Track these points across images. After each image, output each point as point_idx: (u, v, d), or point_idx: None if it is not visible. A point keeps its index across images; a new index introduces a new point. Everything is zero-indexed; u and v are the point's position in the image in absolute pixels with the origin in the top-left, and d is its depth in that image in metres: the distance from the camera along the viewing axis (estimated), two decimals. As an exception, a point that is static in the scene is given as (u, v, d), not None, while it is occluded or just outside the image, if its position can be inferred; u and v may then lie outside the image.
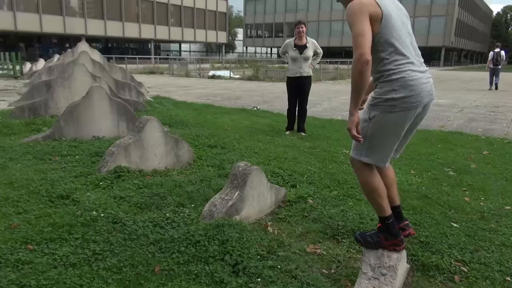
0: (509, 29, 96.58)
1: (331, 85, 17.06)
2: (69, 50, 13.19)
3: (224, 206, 2.94)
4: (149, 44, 50.10)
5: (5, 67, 18.08)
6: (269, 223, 3.01)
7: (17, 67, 17.24)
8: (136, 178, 3.77)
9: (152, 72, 24.50)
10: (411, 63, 2.05)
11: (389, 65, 2.03)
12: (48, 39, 44.01)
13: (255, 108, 9.01)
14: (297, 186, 3.71)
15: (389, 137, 2.12)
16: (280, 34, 67.76)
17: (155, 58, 37.87)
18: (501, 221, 3.05)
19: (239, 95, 11.88)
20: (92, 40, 40.20)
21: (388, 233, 2.22)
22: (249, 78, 20.20)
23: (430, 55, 60.93)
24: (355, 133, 2.05)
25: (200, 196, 3.39)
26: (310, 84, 6.42)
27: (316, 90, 14.19)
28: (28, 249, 2.46)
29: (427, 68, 2.16)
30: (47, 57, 32.88)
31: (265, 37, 70.49)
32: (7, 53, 18.70)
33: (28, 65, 19.30)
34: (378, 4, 1.99)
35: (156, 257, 2.42)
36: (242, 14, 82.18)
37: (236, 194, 3.03)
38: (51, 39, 44.59)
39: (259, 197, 3.17)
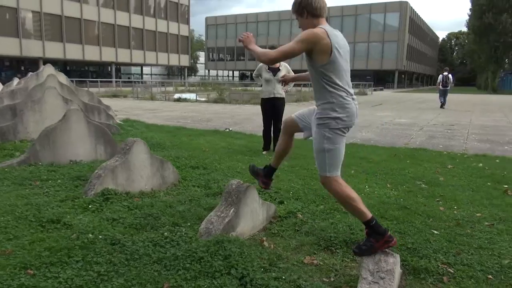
0: (454, 54, 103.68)
1: (296, 107, 17.51)
2: (32, 73, 12.81)
3: (221, 223, 3.03)
4: (110, 67, 49.37)
5: (-42, 91, 17.20)
6: (264, 238, 3.12)
7: (-28, 91, 16.44)
8: (124, 200, 3.77)
9: (115, 95, 24.13)
10: (347, 93, 2.49)
11: (329, 88, 2.46)
12: (0, 61, 42.29)
13: (228, 130, 9.15)
14: (285, 202, 3.85)
15: (340, 149, 2.56)
16: (242, 58, 69.02)
17: (116, 81, 37.35)
18: (475, 227, 3.34)
19: (209, 118, 11.99)
20: (49, 62, 38.96)
21: (376, 234, 2.46)
22: (215, 101, 20.40)
23: (384, 78, 64.18)
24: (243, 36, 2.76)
25: (192, 215, 3.45)
26: (284, 105, 6.67)
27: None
28: (28, 274, 2.42)
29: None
30: (0, 80, 31.57)
31: (227, 60, 71.51)
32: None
33: (-17, 89, 18.46)
34: (330, 40, 2.40)
35: (162, 274, 2.46)
36: (203, 38, 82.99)
37: (232, 211, 3.13)
38: (3, 62, 42.88)
39: (252, 214, 3.28)
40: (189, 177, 4.63)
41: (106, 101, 15.13)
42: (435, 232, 3.20)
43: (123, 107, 15.84)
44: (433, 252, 2.83)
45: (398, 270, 2.45)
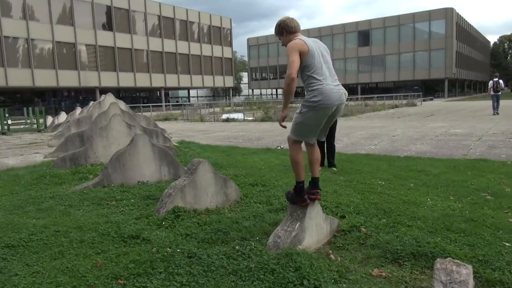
0: (508, 57, 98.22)
1: (344, 122, 17.43)
2: (94, 102, 13.83)
3: (288, 237, 3.17)
4: (159, 91, 51.69)
5: (29, 121, 18.85)
6: (330, 251, 3.22)
7: (41, 121, 17.94)
8: (193, 217, 4.02)
9: (166, 119, 25.22)
10: (325, 79, 3.15)
11: (311, 79, 3.15)
12: (60, 92, 45.69)
13: (279, 148, 9.33)
14: (346, 216, 3.92)
15: (312, 124, 3.20)
16: (285, 76, 69.60)
17: (166, 105, 39.01)
18: (549, 238, 3.23)
19: (259, 136, 12.26)
20: (105, 91, 41.57)
21: (299, 193, 3.30)
22: (263, 119, 20.73)
23: (433, 87, 62.00)
24: (281, 123, 3.41)
25: (258, 230, 3.61)
26: (337, 120, 6.75)
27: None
28: (119, 283, 2.69)
29: (339, 83, 3.28)
30: (60, 109, 34.10)
31: (270, 79, 72.43)
32: (30, 108, 19.54)
33: (50, 119, 20.07)
34: (306, 44, 3.14)
35: (239, 285, 2.63)
36: (245, 58, 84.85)
37: (297, 225, 3.27)
38: (63, 93, 46.27)
39: (317, 228, 3.40)
40: (250, 194, 4.82)
41: (159, 124, 15.93)
42: (507, 244, 3.14)
43: (176, 130, 16.55)
44: (507, 264, 2.79)
45: (471, 282, 2.46)
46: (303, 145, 3.40)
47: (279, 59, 68.93)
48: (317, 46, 3.25)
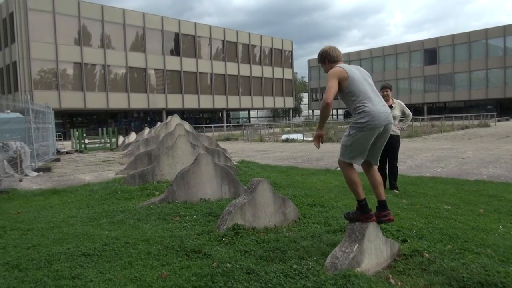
0: None
1: (408, 143, 16.77)
2: (161, 123, 14.69)
3: (346, 258, 3.15)
4: (220, 112, 53.43)
5: (102, 140, 20.43)
6: (390, 276, 3.13)
7: (113, 140, 19.36)
8: (252, 234, 4.12)
9: (227, 139, 25.95)
10: (370, 101, 3.27)
11: (357, 103, 3.28)
12: (131, 114, 48.91)
13: (339, 169, 9.20)
14: (408, 240, 3.80)
15: (361, 145, 3.27)
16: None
17: (227, 125, 40.17)
18: None
19: (319, 157, 12.20)
20: (170, 112, 43.85)
21: (363, 210, 3.30)
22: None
23: (510, 107, 57.51)
24: (316, 143, 3.50)
25: (316, 250, 3.62)
26: (399, 142, 6.58)
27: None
28: (182, 295, 2.84)
29: (385, 104, 3.37)
30: (130, 129, 36.44)
31: (330, 99, 71.75)
32: (103, 129, 21.18)
33: (121, 138, 21.58)
34: (345, 71, 3.30)
35: (296, 303, 2.66)
36: (305, 79, 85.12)
37: (356, 247, 3.23)
38: (133, 114, 49.47)
39: (376, 250, 3.33)
40: (308, 215, 4.84)
41: (220, 144, 16.47)
42: None
43: (236, 149, 16.97)
44: None
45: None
46: (358, 167, 3.43)
47: (340, 80, 68.20)
48: (358, 72, 3.41)
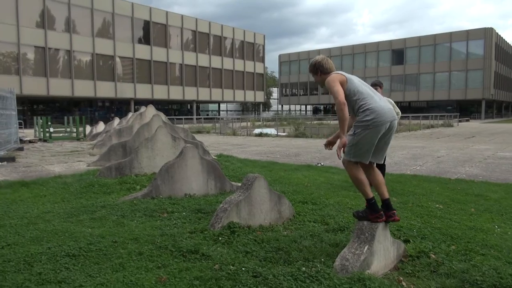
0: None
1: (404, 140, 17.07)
2: (135, 113, 14.12)
3: (357, 260, 3.01)
4: (190, 104, 52.56)
5: (68, 129, 19.47)
6: (401, 278, 3.03)
7: (80, 130, 18.48)
8: (248, 233, 3.91)
9: (199, 131, 25.48)
10: (373, 99, 3.23)
11: (360, 102, 3.22)
12: (96, 102, 47.17)
13: (320, 164, 9.16)
14: (411, 241, 3.72)
15: (367, 143, 3.19)
16: (315, 92, 69.45)
17: (197, 118, 39.54)
18: None
19: (296, 152, 12.12)
20: (139, 103, 42.67)
21: (372, 209, 3.21)
22: (296, 135, 20.59)
23: (468, 108, 60.22)
24: (339, 151, 3.32)
25: (319, 251, 3.46)
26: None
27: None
28: (187, 301, 2.60)
29: (387, 99, 3.46)
30: (95, 119, 35.08)
31: (300, 95, 72.38)
32: (71, 117, 20.21)
33: (88, 128, 20.66)
34: (342, 74, 3.31)
35: (312, 310, 2.49)
36: (275, 74, 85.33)
37: (366, 248, 3.10)
38: (97, 103, 47.75)
39: (385, 252, 3.22)
40: (302, 212, 4.69)
41: (195, 137, 16.11)
42: None
43: (211, 143, 16.64)
44: None
45: None
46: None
47: (310, 76, 68.90)
48: (351, 76, 3.42)
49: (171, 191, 5.60)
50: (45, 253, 3.37)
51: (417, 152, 12.11)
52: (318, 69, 3.47)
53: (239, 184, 4.58)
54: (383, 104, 3.23)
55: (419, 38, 59.14)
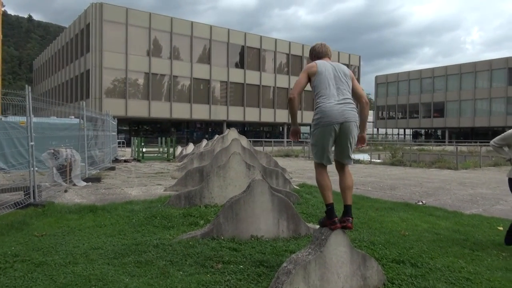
0: None
1: (462, 173, 14.43)
2: (218, 136, 13.87)
3: None
4: (281, 127, 52.47)
5: (161, 150, 20.19)
6: None
7: (171, 150, 18.98)
8: (319, 309, 2.86)
9: (287, 155, 24.73)
10: (327, 98, 3.20)
11: (316, 100, 3.27)
12: (193, 124, 49.58)
13: (421, 203, 7.60)
14: None
15: (319, 142, 3.23)
16: (415, 115, 64.56)
17: (287, 141, 38.99)
18: None
19: (392, 184, 10.55)
20: (231, 124, 43.75)
21: (328, 216, 3.21)
22: (392, 163, 18.58)
23: None
24: (293, 138, 3.59)
25: None
26: None
27: (495, 183, 12.02)
28: None
29: (351, 104, 3.22)
30: (192, 140, 36.64)
31: (398, 118, 67.92)
32: (162, 138, 20.98)
33: (179, 148, 21.24)
34: (316, 65, 3.33)
35: None
36: (370, 96, 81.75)
37: None
38: (195, 124, 50.12)
39: None
40: (397, 280, 3.46)
41: (279, 161, 15.27)
42: None
43: (296, 168, 15.68)
44: None
45: None
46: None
47: (409, 98, 64.40)
48: (332, 69, 3.32)
49: (235, 231, 4.77)
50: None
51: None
52: (312, 53, 3.58)
53: (317, 227, 3.58)
54: (333, 104, 3.14)
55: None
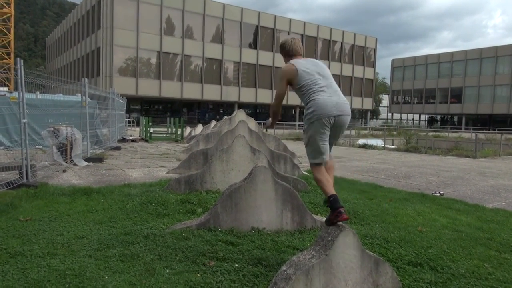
0: None
1: (482, 162, 13.73)
2: (226, 117, 13.40)
3: None
4: (294, 110, 51.71)
5: (169, 130, 19.84)
6: None
7: (179, 131, 18.62)
8: (321, 324, 2.42)
9: (298, 138, 24.17)
10: (318, 92, 3.09)
11: (305, 96, 3.16)
12: (205, 105, 49.15)
13: (439, 194, 7.08)
14: None
15: (315, 139, 3.08)
16: (432, 100, 62.96)
17: (300, 123, 38.36)
18: None
19: (407, 173, 9.99)
20: (243, 106, 43.20)
21: (332, 207, 2.87)
22: (407, 149, 17.90)
23: None
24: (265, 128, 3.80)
25: None
26: None
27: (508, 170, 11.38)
28: None
29: (339, 96, 3.15)
30: (203, 121, 36.27)
31: (414, 103, 66.36)
32: (171, 118, 20.60)
33: (188, 129, 20.87)
34: (294, 66, 3.20)
35: None
36: (386, 80, 79.91)
37: None
38: (207, 105, 49.69)
39: None
40: (414, 287, 3.00)
41: (289, 144, 14.79)
42: None
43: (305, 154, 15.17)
44: None
45: None
46: None
47: (426, 82, 62.67)
48: (312, 65, 3.24)
49: (233, 222, 4.34)
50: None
51: None
52: (282, 51, 3.43)
53: (324, 219, 3.16)
54: (326, 96, 3.07)
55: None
